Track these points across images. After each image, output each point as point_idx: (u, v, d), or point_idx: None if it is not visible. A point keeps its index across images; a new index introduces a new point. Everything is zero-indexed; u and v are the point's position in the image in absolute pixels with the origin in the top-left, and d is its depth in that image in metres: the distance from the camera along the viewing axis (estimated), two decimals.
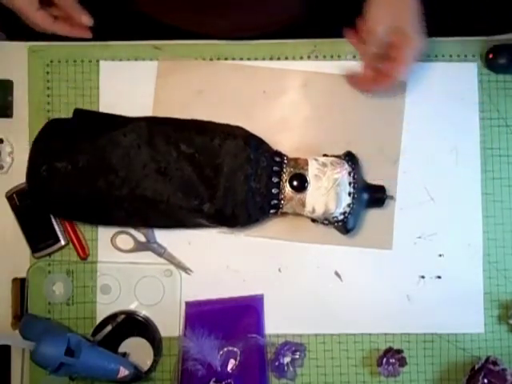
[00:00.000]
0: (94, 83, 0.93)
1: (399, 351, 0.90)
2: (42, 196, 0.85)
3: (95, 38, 0.82)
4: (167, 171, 0.84)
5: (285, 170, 0.85)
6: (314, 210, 0.85)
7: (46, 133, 0.86)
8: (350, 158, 0.87)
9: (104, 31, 0.80)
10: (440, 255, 0.92)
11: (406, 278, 0.92)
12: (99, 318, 0.90)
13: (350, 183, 0.85)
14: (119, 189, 0.84)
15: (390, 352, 0.90)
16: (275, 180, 0.85)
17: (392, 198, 0.90)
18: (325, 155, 0.88)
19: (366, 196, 0.88)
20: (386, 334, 0.91)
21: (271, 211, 0.86)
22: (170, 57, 0.93)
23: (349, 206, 0.85)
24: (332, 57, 0.94)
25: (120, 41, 0.94)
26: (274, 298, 0.91)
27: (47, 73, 0.93)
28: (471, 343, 0.92)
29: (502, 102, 0.94)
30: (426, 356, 0.92)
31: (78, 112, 0.90)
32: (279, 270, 0.92)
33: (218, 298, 0.91)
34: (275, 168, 0.85)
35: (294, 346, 0.90)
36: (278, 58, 0.94)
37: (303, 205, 0.85)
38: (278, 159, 0.86)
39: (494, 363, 0.88)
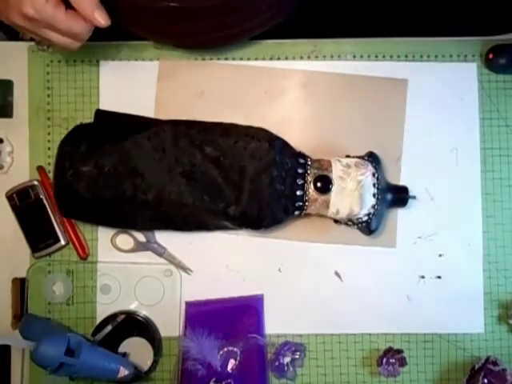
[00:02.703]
0: (94, 83, 0.92)
1: (399, 351, 0.90)
2: (68, 201, 0.85)
3: (95, 38, 0.81)
4: (192, 174, 0.84)
5: (309, 172, 0.84)
6: (338, 212, 0.84)
7: (71, 137, 0.86)
8: (373, 158, 0.87)
9: (104, 31, 0.78)
10: (440, 255, 0.92)
11: (406, 278, 0.92)
12: (99, 318, 0.90)
13: (373, 184, 0.84)
14: (145, 193, 0.83)
15: (390, 352, 0.90)
16: (300, 182, 0.84)
17: (414, 197, 0.89)
18: (348, 156, 0.87)
19: (389, 196, 0.87)
20: (385, 334, 0.91)
21: (295, 213, 0.86)
22: (171, 57, 0.93)
23: (373, 207, 0.84)
24: (332, 56, 0.94)
25: (120, 41, 0.93)
26: (274, 298, 0.91)
27: (47, 73, 0.93)
28: (471, 343, 0.92)
29: (502, 102, 0.94)
30: (425, 356, 0.91)
31: (100, 113, 0.90)
32: (279, 269, 0.91)
33: (217, 297, 0.90)
34: (299, 170, 0.84)
35: (294, 346, 0.90)
36: (279, 58, 0.93)
37: (327, 206, 0.84)
38: (302, 161, 0.85)
39: (494, 363, 0.87)
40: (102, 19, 0.76)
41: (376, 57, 0.93)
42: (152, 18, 0.84)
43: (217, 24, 0.85)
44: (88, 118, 0.92)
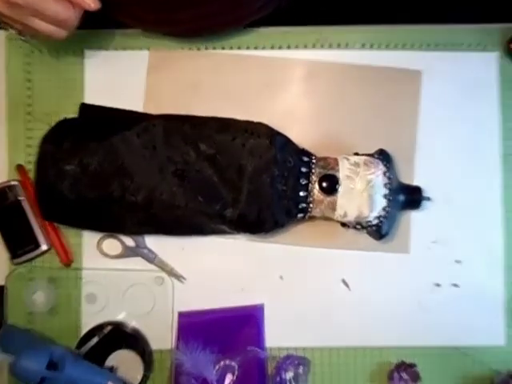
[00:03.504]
0: (78, 75, 0.90)
1: (412, 365, 0.87)
2: (50, 202, 0.83)
3: (80, 26, 0.77)
4: (186, 174, 0.83)
5: (313, 171, 0.82)
6: (345, 214, 0.82)
7: (54, 133, 0.84)
8: (384, 156, 0.84)
9: (90, 19, 0.76)
10: (457, 261, 0.89)
11: (419, 286, 0.89)
12: (84, 329, 0.87)
13: (385, 184, 0.82)
14: (134, 194, 0.82)
15: (401, 366, 0.87)
16: (303, 182, 0.82)
17: (429, 199, 0.87)
18: (356, 154, 0.85)
19: (401, 198, 0.85)
20: (397, 347, 0.88)
21: (299, 215, 0.84)
22: (163, 46, 0.90)
23: (384, 209, 0.82)
24: (339, 45, 0.91)
25: (107, 28, 0.90)
26: (276, 308, 0.88)
27: (27, 64, 0.90)
28: (490, 356, 0.89)
29: None
30: (441, 370, 0.89)
31: (85, 108, 0.88)
32: (281, 277, 0.89)
33: (213, 307, 0.88)
34: (303, 169, 0.82)
35: (297, 360, 0.87)
36: (280, 47, 0.91)
37: (334, 208, 0.82)
38: (305, 159, 0.83)
39: None
40: (90, 1, 0.73)
41: (387, 46, 0.91)
42: (138, 6, 0.83)
43: (206, 10, 0.84)
44: (72, 112, 0.89)
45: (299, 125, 0.90)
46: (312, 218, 0.85)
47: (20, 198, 0.87)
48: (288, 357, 0.87)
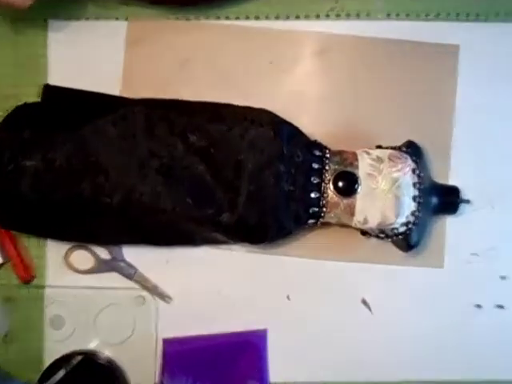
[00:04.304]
0: (40, 50, 0.83)
1: None
2: (7, 205, 0.78)
3: None
4: (172, 171, 0.78)
5: (327, 168, 0.77)
6: (366, 220, 0.76)
7: (11, 121, 0.79)
8: (413, 149, 0.78)
9: None
10: (502, 277, 0.82)
11: (457, 308, 0.82)
12: (48, 361, 0.81)
13: (414, 184, 0.75)
14: (109, 195, 0.77)
15: None
16: (315, 181, 0.76)
17: (468, 201, 0.81)
18: (378, 147, 0.80)
19: (434, 200, 0.79)
20: (429, 382, 0.82)
21: (310, 221, 0.78)
22: (145, 15, 0.83)
23: (413, 214, 0.75)
24: (358, 15, 0.83)
25: None
26: (281, 335, 0.82)
27: None
28: None
29: None
30: None
31: (49, 90, 0.82)
32: (288, 297, 0.82)
33: (205, 334, 0.82)
34: (315, 165, 0.77)
35: None
36: (288, 17, 0.83)
37: (352, 213, 0.76)
38: (317, 153, 0.77)
39: None
40: None
41: (417, 16, 0.83)
42: None
43: None
44: (33, 95, 0.82)
45: (310, 111, 0.84)
46: (325, 224, 0.79)
47: None
48: None
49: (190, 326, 0.82)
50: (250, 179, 0.76)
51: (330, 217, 0.77)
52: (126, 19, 0.83)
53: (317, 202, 0.77)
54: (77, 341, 0.81)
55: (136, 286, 0.82)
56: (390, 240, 0.79)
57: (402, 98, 0.84)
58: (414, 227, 0.76)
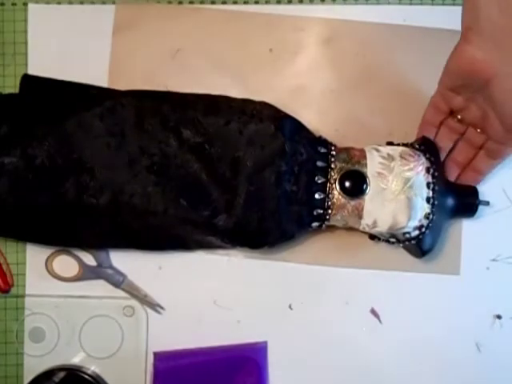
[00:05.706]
0: (19, 37, 0.80)
1: None
2: None
3: None
4: (164, 169, 0.76)
5: (333, 166, 0.74)
6: (375, 224, 0.73)
7: None
8: (428, 147, 0.75)
9: None
10: None
11: (475, 319, 0.79)
12: (28, 377, 0.77)
13: (428, 184, 0.72)
14: (95, 195, 0.75)
15: None
16: (320, 180, 0.74)
17: (487, 203, 0.78)
18: (389, 143, 0.77)
19: (450, 202, 0.76)
20: None
21: (314, 224, 0.75)
22: None
23: (427, 216, 0.72)
24: None
25: None
26: (282, 347, 0.79)
27: None
28: None
29: None
30: None
31: (29, 80, 0.79)
32: (290, 306, 0.79)
33: (200, 347, 0.79)
34: (319, 163, 0.74)
35: None
36: (290, 1, 0.81)
37: (360, 215, 0.74)
38: (322, 150, 0.75)
39: None
40: None
41: (432, 0, 0.81)
42: None
43: None
44: (11, 86, 0.80)
45: (314, 105, 0.81)
46: (331, 227, 0.77)
47: None
48: None
49: (183, 339, 0.79)
50: (249, 178, 0.74)
51: (335, 219, 0.75)
52: (113, 3, 0.80)
53: (321, 204, 0.74)
54: (59, 355, 0.78)
55: (124, 294, 0.79)
56: (401, 245, 0.77)
57: (416, 90, 0.81)
58: (427, 231, 0.74)
